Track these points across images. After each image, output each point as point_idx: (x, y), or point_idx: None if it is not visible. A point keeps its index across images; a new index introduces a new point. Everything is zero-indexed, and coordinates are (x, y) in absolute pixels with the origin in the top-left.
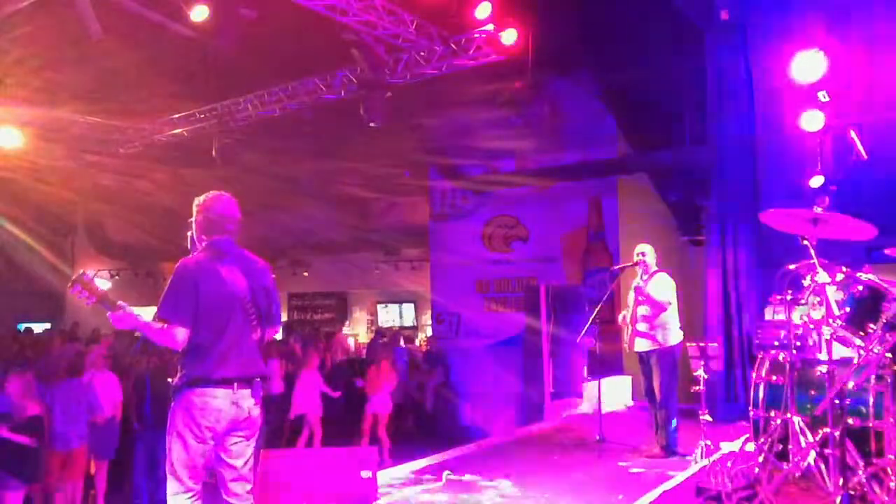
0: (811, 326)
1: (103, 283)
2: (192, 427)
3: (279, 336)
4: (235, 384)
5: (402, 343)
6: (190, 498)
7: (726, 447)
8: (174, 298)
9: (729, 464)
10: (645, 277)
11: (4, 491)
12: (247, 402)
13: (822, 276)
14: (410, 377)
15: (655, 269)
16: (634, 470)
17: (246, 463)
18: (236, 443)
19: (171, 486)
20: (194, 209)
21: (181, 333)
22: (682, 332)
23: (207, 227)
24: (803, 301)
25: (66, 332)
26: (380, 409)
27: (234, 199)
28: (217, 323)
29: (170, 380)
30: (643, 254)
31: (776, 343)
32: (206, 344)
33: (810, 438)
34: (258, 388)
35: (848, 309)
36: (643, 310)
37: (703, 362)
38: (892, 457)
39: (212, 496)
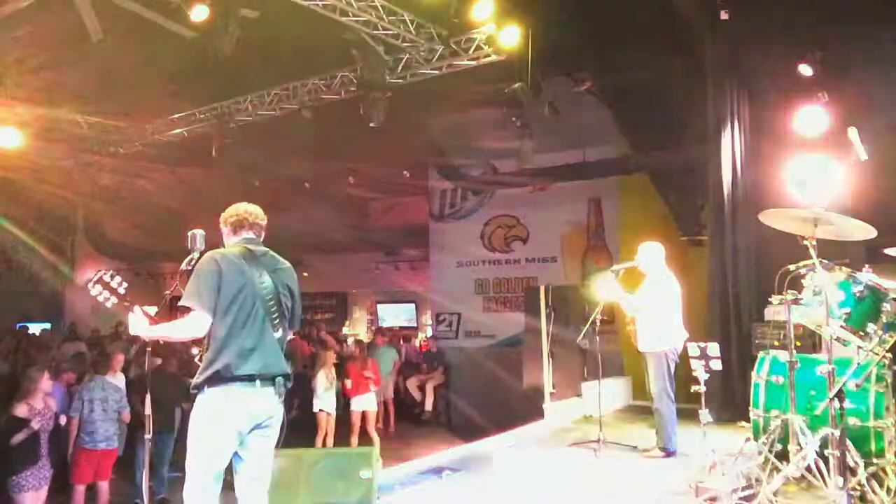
0: (811, 326)
1: (122, 286)
2: (213, 425)
3: None
4: (258, 381)
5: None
6: (209, 496)
7: (726, 447)
8: (198, 287)
9: (729, 464)
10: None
11: (21, 493)
12: (269, 401)
13: (822, 276)
14: (408, 377)
15: (656, 271)
16: (634, 470)
17: (264, 462)
18: (256, 441)
19: (191, 484)
20: (222, 222)
21: (205, 321)
22: (680, 334)
23: (235, 228)
24: (803, 301)
25: (66, 332)
26: (365, 407)
27: (257, 206)
28: (239, 317)
29: (191, 380)
30: (641, 255)
31: (776, 343)
32: (228, 339)
33: (810, 438)
34: (280, 387)
35: (848, 309)
36: (641, 312)
37: (703, 362)
38: (891, 457)
39: (227, 494)
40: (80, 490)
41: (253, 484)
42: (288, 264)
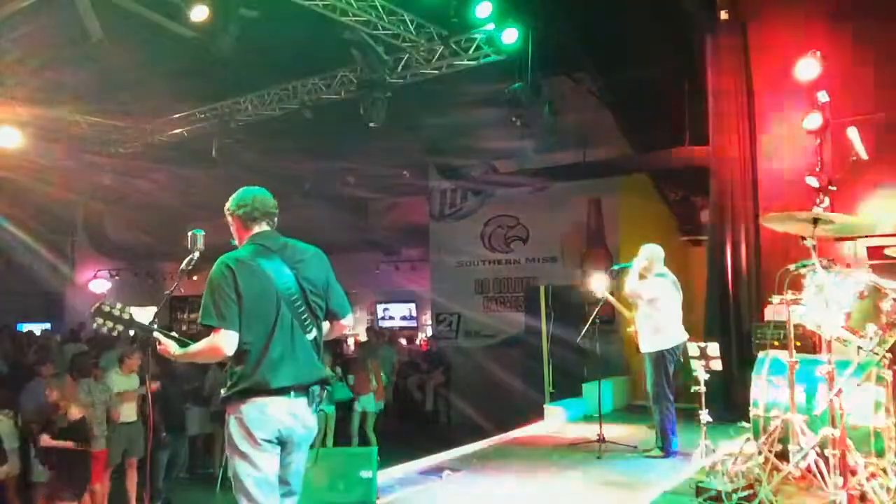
0: (811, 326)
1: (125, 311)
2: (249, 440)
3: None
4: (292, 392)
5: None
6: None
7: (726, 447)
8: (216, 301)
9: (729, 464)
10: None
11: (59, 501)
12: (303, 412)
13: (822, 276)
14: (408, 377)
15: (656, 271)
16: (634, 470)
17: (297, 473)
18: (290, 454)
19: (240, 497)
20: (227, 214)
21: (231, 338)
22: (679, 335)
23: (244, 223)
24: (803, 301)
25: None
26: (366, 408)
27: (264, 188)
28: (264, 326)
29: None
30: (641, 255)
31: (776, 343)
32: (255, 349)
33: (810, 438)
34: (316, 396)
35: (848, 309)
36: (639, 312)
37: (703, 362)
38: (892, 457)
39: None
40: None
41: (287, 499)
42: (312, 251)
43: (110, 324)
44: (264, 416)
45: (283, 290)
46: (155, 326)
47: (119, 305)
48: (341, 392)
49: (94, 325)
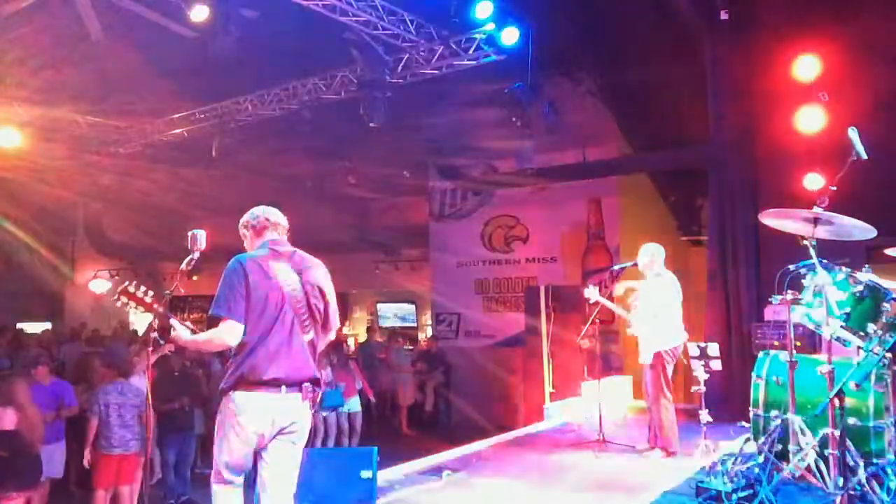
0: (811, 326)
1: (147, 294)
2: (236, 428)
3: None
4: (283, 386)
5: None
6: (230, 491)
7: (726, 447)
8: (227, 294)
9: (729, 464)
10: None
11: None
12: (294, 406)
13: (822, 276)
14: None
15: (656, 272)
16: (634, 470)
17: (289, 467)
18: (281, 446)
19: (214, 478)
20: (241, 228)
21: (237, 329)
22: (679, 335)
23: (257, 232)
24: (803, 301)
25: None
26: (351, 408)
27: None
28: (266, 321)
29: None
30: (641, 255)
31: (776, 343)
32: (254, 342)
33: (810, 438)
34: (308, 393)
35: (848, 309)
36: (639, 312)
37: (703, 362)
38: (892, 457)
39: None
40: (100, 494)
41: (277, 489)
42: (317, 262)
43: (133, 304)
44: (255, 408)
45: (288, 291)
46: (174, 318)
47: (143, 288)
48: (334, 398)
49: (118, 304)
